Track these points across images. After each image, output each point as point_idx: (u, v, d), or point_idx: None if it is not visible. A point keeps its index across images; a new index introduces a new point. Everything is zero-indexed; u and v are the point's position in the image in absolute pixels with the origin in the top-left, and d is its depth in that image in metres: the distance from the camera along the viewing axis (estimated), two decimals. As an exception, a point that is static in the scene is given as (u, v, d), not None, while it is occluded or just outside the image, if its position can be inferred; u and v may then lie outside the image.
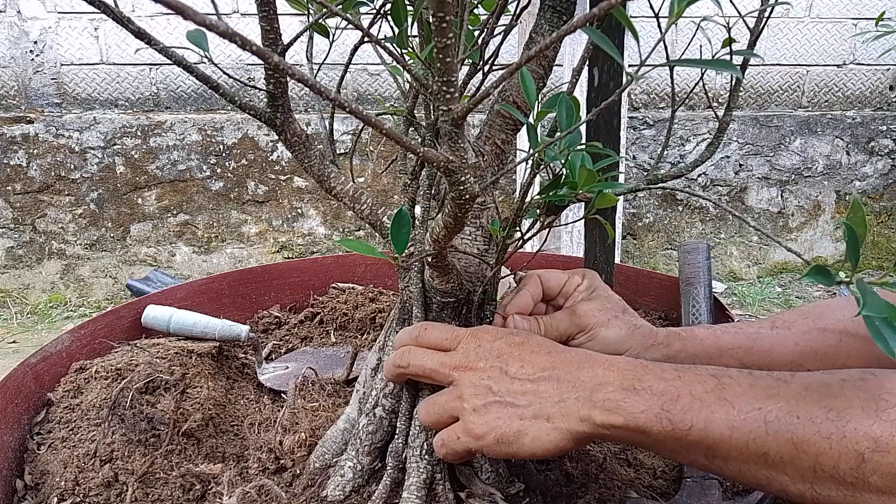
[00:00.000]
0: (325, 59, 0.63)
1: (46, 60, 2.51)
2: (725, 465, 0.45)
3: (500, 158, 0.60)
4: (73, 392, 0.74)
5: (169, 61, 0.50)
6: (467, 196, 0.43)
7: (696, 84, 0.60)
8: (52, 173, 2.58)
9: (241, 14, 2.53)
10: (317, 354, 0.99)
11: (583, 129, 0.51)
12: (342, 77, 0.65)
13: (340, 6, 0.53)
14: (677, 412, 0.45)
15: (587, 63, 0.71)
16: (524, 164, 0.48)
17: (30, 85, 2.52)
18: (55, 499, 0.61)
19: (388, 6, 0.52)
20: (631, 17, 0.47)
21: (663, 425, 0.45)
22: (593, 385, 0.49)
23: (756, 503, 0.62)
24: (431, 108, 0.57)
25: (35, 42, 2.48)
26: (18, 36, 2.47)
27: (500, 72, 0.38)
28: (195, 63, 0.49)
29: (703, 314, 0.90)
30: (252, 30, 2.50)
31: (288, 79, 0.42)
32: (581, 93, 0.68)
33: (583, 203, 0.52)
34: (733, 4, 0.50)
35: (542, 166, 0.50)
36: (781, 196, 2.90)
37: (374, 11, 0.56)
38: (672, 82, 0.58)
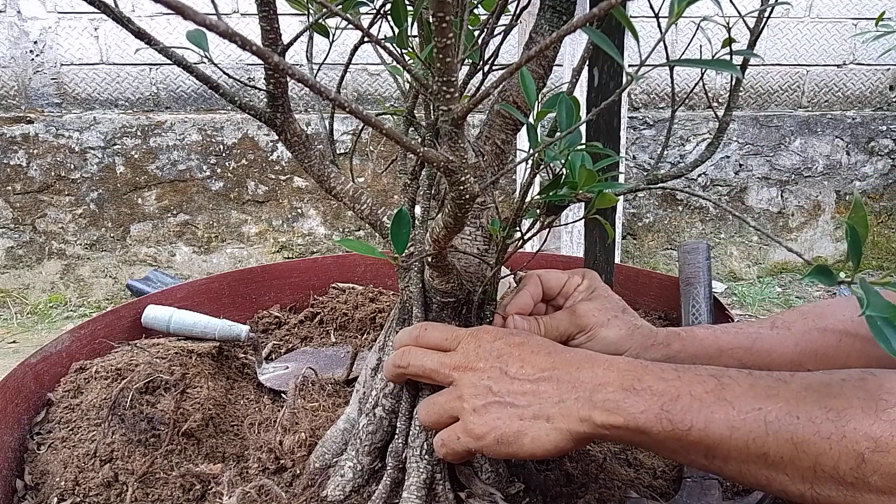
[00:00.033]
0: (325, 59, 0.63)
1: (46, 60, 2.51)
2: (725, 466, 0.45)
3: (500, 158, 0.60)
4: (73, 392, 0.74)
5: (169, 61, 0.50)
6: (467, 196, 0.43)
7: (696, 84, 0.60)
8: (52, 173, 2.58)
9: (241, 14, 2.53)
10: (317, 354, 0.99)
11: (583, 129, 0.51)
12: (342, 77, 0.65)
13: (340, 6, 0.53)
14: (677, 412, 0.45)
15: (587, 63, 0.71)
16: (524, 164, 0.48)
17: (30, 85, 2.52)
18: (55, 499, 0.61)
19: (388, 6, 0.52)
20: (631, 17, 0.47)
21: (663, 425, 0.45)
22: (593, 385, 0.49)
23: (756, 503, 0.62)
24: (431, 108, 0.57)
25: (35, 42, 2.48)
26: (18, 36, 2.47)
27: (500, 72, 0.38)
28: (195, 63, 0.49)
29: (703, 314, 0.90)
30: (252, 30, 2.50)
31: (288, 79, 0.42)
32: (581, 93, 0.68)
33: (583, 203, 0.52)
34: (733, 4, 0.50)
35: (542, 166, 0.50)
36: (781, 196, 2.90)
37: (374, 11, 0.56)
38: (672, 82, 0.58)
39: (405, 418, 0.61)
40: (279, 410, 0.79)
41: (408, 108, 0.61)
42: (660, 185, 0.56)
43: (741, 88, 2.34)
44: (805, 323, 0.64)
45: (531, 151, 0.47)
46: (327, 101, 0.32)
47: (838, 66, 2.79)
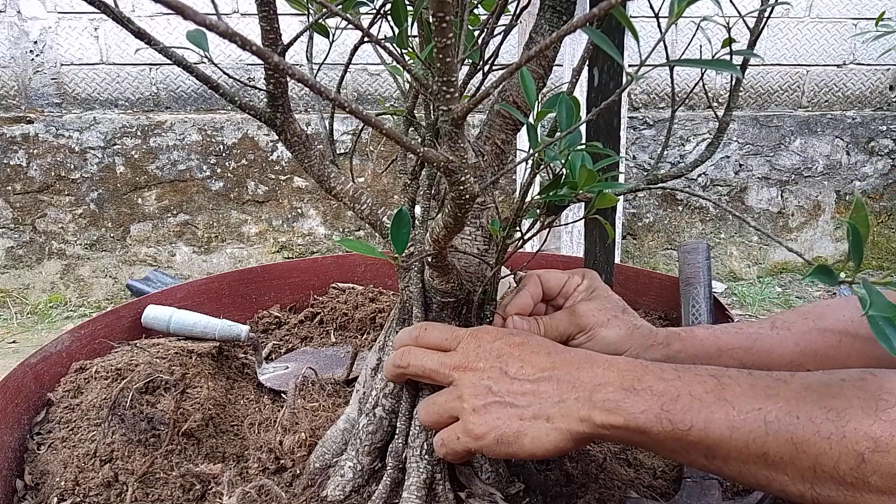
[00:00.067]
0: (325, 59, 0.63)
1: (46, 60, 2.51)
2: (725, 466, 0.45)
3: (500, 158, 0.60)
4: (73, 392, 0.74)
5: (169, 61, 0.50)
6: (467, 196, 0.43)
7: (696, 84, 0.60)
8: (52, 173, 2.58)
9: (241, 14, 2.53)
10: (317, 354, 0.98)
11: (583, 129, 0.51)
12: (342, 77, 0.65)
13: (340, 6, 0.53)
14: (677, 412, 0.45)
15: (587, 63, 0.71)
16: (524, 164, 0.48)
17: (30, 85, 2.52)
18: (55, 499, 0.61)
19: (388, 6, 0.52)
20: (631, 17, 0.47)
21: (663, 425, 0.45)
22: (593, 385, 0.49)
23: (756, 503, 0.62)
24: (431, 108, 0.57)
25: (35, 42, 2.48)
26: (18, 36, 2.47)
27: (500, 72, 0.38)
28: (195, 63, 0.49)
29: (703, 314, 0.90)
30: (252, 30, 2.50)
31: (288, 79, 0.42)
32: (581, 93, 0.68)
33: (583, 203, 0.52)
34: (733, 4, 0.50)
35: (542, 166, 0.50)
36: (781, 196, 2.90)
37: (374, 11, 0.56)
38: (672, 82, 0.58)
39: (405, 418, 0.61)
40: (279, 410, 0.79)
41: (408, 108, 0.61)
42: (660, 185, 0.56)
43: (741, 88, 2.34)
44: (805, 323, 0.64)
45: (531, 151, 0.47)
46: (327, 101, 0.32)
47: (838, 66, 2.79)
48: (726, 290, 2.77)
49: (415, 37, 0.54)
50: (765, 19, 0.52)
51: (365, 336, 1.04)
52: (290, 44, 0.48)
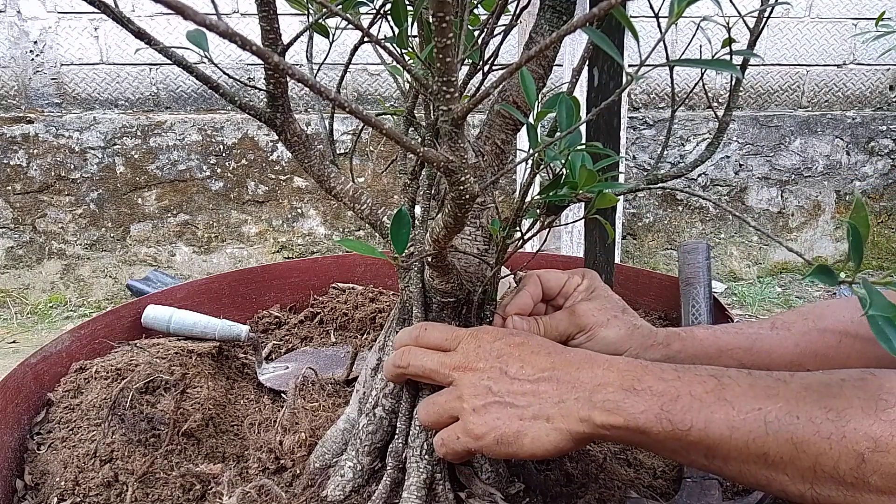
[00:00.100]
0: (325, 59, 0.63)
1: (46, 60, 2.51)
2: (725, 466, 0.45)
3: (500, 158, 0.60)
4: (73, 392, 0.74)
5: (169, 61, 0.50)
6: (467, 196, 0.43)
7: (696, 84, 0.60)
8: (52, 173, 2.58)
9: (241, 14, 2.53)
10: (317, 354, 0.98)
11: (583, 129, 0.51)
12: (342, 77, 0.65)
13: (340, 6, 0.53)
14: (677, 412, 0.45)
15: (587, 63, 0.71)
16: (524, 164, 0.48)
17: (30, 85, 2.52)
18: (55, 499, 0.61)
19: (388, 6, 0.52)
20: (631, 17, 0.47)
21: (663, 426, 0.45)
22: (593, 386, 0.49)
23: (756, 503, 0.62)
24: (431, 108, 0.57)
25: (35, 42, 2.48)
26: (18, 36, 2.47)
27: (500, 72, 0.38)
28: (195, 63, 0.49)
29: (703, 314, 0.90)
30: (252, 30, 2.50)
31: (288, 79, 0.42)
32: (581, 93, 0.68)
33: (583, 203, 0.52)
34: (733, 4, 0.50)
35: (542, 166, 0.50)
36: (781, 196, 2.90)
37: (374, 11, 0.56)
38: (672, 82, 0.58)
39: (405, 418, 0.61)
40: (279, 410, 0.79)
41: (408, 108, 0.61)
42: (660, 185, 0.56)
43: (741, 88, 2.34)
44: (805, 324, 0.64)
45: (531, 151, 0.47)
46: (327, 101, 0.32)
47: (838, 66, 2.79)
48: (726, 290, 2.77)
49: (415, 37, 0.54)
50: (765, 19, 0.52)
51: (365, 336, 1.04)
52: (290, 44, 0.48)
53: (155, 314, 0.91)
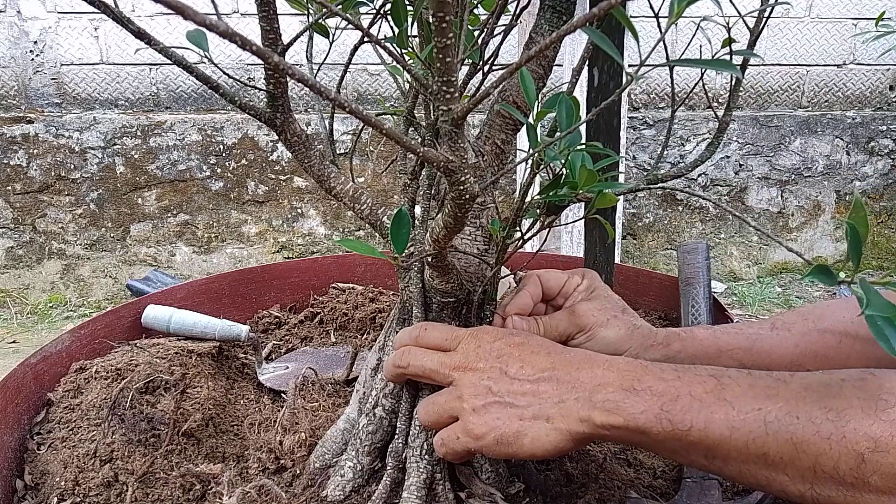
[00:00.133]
0: (325, 59, 0.63)
1: (46, 60, 2.51)
2: (725, 466, 0.45)
3: (500, 158, 0.60)
4: (73, 392, 0.74)
5: (169, 61, 0.50)
6: (467, 196, 0.43)
7: (696, 84, 0.60)
8: (52, 173, 2.58)
9: (241, 14, 2.53)
10: (317, 354, 0.99)
11: (583, 129, 0.51)
12: (342, 77, 0.65)
13: (340, 6, 0.53)
14: (677, 412, 0.45)
15: (587, 63, 0.71)
16: (524, 164, 0.48)
17: (30, 85, 2.52)
18: (55, 499, 0.61)
19: (388, 6, 0.52)
20: (631, 17, 0.47)
21: (663, 426, 0.45)
22: (593, 386, 0.49)
23: (756, 503, 0.62)
24: (431, 108, 0.57)
25: (35, 42, 2.48)
26: (18, 36, 2.47)
27: (500, 72, 0.38)
28: (195, 63, 0.49)
29: (703, 314, 0.90)
30: (252, 30, 2.50)
31: (288, 79, 0.42)
32: (581, 93, 0.68)
33: (583, 203, 0.52)
34: (733, 4, 0.50)
35: (542, 166, 0.50)
36: (781, 196, 2.90)
37: (374, 11, 0.56)
38: (672, 82, 0.58)
39: (405, 418, 0.61)
40: (279, 410, 0.79)
41: (408, 108, 0.61)
42: (660, 185, 0.56)
43: (741, 88, 2.34)
44: (805, 324, 0.64)
45: (531, 151, 0.47)
46: (327, 101, 0.32)
47: (838, 66, 2.79)
48: (726, 290, 2.77)
49: (415, 37, 0.54)
50: (765, 19, 0.52)
51: (365, 336, 1.04)
52: (290, 44, 0.48)
53: (155, 314, 0.91)
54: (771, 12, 0.55)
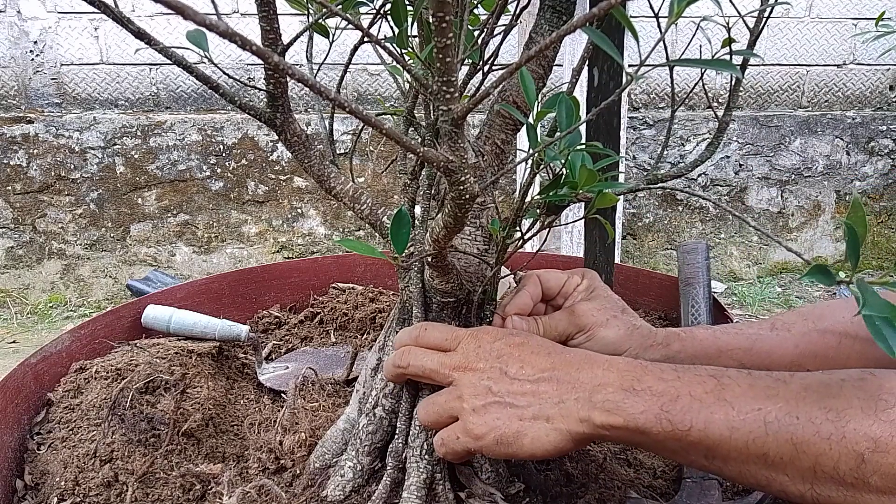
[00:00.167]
0: (325, 59, 0.63)
1: (46, 60, 2.51)
2: (725, 466, 0.45)
3: (500, 158, 0.60)
4: (73, 392, 0.74)
5: (169, 61, 0.50)
6: (467, 196, 0.43)
7: (696, 84, 0.60)
8: (52, 173, 2.58)
9: (241, 14, 2.53)
10: (317, 354, 0.99)
11: (583, 129, 0.51)
12: (342, 77, 0.65)
13: (340, 6, 0.53)
14: (677, 413, 0.45)
15: (587, 63, 0.71)
16: (524, 164, 0.48)
17: (30, 85, 2.52)
18: (55, 499, 0.61)
19: (388, 6, 0.52)
20: (631, 17, 0.47)
21: (663, 426, 0.45)
22: (593, 386, 0.49)
23: (756, 503, 0.62)
24: (431, 108, 0.57)
25: (35, 42, 2.48)
26: (18, 36, 2.47)
27: (500, 72, 0.38)
28: (195, 63, 0.49)
29: (703, 314, 0.90)
30: (252, 30, 2.50)
31: (288, 79, 0.42)
32: (581, 93, 0.68)
33: (583, 203, 0.52)
34: (733, 4, 0.50)
35: (542, 166, 0.50)
36: (781, 196, 2.90)
37: (374, 11, 0.56)
38: (672, 82, 0.58)
39: (405, 418, 0.61)
40: (279, 410, 0.79)
41: (408, 108, 0.61)
42: (660, 185, 0.56)
43: (741, 88, 2.34)
44: (805, 324, 0.64)
45: (531, 151, 0.47)
46: (327, 101, 0.32)
47: (838, 66, 2.79)
48: (726, 290, 2.77)
49: (415, 37, 0.54)
50: (765, 19, 0.52)
51: (365, 336, 1.04)
52: (290, 44, 0.48)
53: (155, 314, 0.91)
54: (771, 12, 0.55)
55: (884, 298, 0.34)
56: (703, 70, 0.47)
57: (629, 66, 0.44)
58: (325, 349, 1.01)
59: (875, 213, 2.95)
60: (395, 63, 0.52)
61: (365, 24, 0.51)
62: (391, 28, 0.53)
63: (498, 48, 0.57)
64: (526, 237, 0.57)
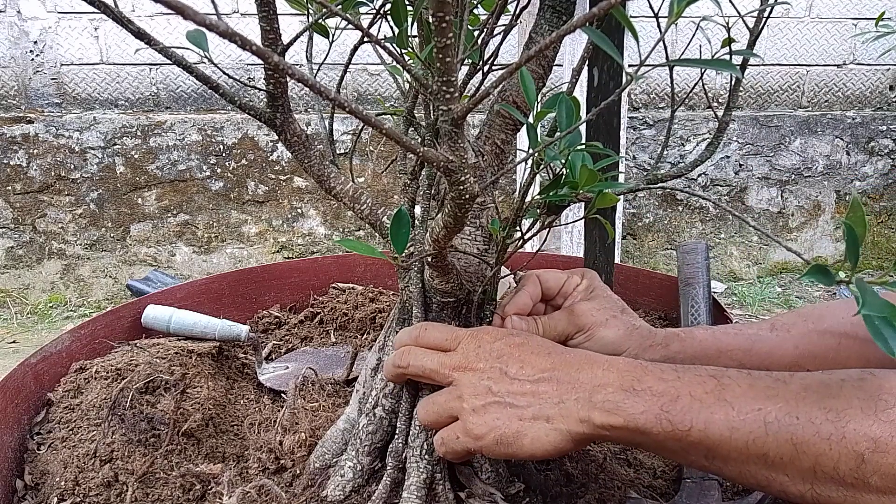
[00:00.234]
0: (325, 59, 0.63)
1: (46, 60, 2.51)
2: (725, 466, 0.45)
3: (500, 158, 0.60)
4: (73, 392, 0.74)
5: (169, 61, 0.50)
6: (467, 196, 0.43)
7: (696, 84, 0.60)
8: (52, 173, 2.58)
9: (241, 14, 2.53)
10: (317, 354, 0.99)
11: (583, 129, 0.51)
12: (342, 77, 0.65)
13: (340, 6, 0.53)
14: (677, 413, 0.45)
15: (587, 63, 0.71)
16: (524, 164, 0.48)
17: (30, 85, 2.52)
18: (55, 499, 0.61)
19: (388, 6, 0.52)
20: (631, 17, 0.47)
21: (663, 426, 0.45)
22: (593, 386, 0.49)
23: (756, 503, 0.62)
24: (431, 108, 0.57)
25: (35, 42, 2.48)
26: (18, 36, 2.47)
27: (500, 72, 0.38)
28: (195, 63, 0.49)
29: (702, 314, 0.90)
30: (252, 30, 2.50)
31: (288, 79, 0.42)
32: (581, 93, 0.68)
33: (583, 203, 0.52)
34: (733, 4, 0.50)
35: (542, 166, 0.50)
36: (781, 196, 2.90)
37: (374, 11, 0.56)
38: (672, 82, 0.58)
39: (405, 418, 0.61)
40: (279, 410, 0.79)
41: (408, 108, 0.61)
42: (660, 185, 0.56)
43: (741, 88, 2.34)
44: (805, 325, 0.64)
45: (531, 151, 0.47)
46: (327, 101, 0.32)
47: (838, 66, 2.79)
48: (726, 290, 2.77)
49: (415, 37, 0.54)
50: (765, 19, 0.52)
51: (365, 336, 1.04)
52: (290, 44, 0.48)
53: (155, 314, 0.91)
54: (771, 12, 0.55)
55: (883, 298, 0.34)
56: (703, 70, 0.47)
57: (629, 66, 0.44)
58: (325, 349, 1.01)
59: (875, 213, 2.95)
60: (395, 63, 0.52)
61: (365, 24, 0.51)
62: (391, 28, 0.53)
63: (498, 48, 0.57)
64: (526, 237, 0.57)
